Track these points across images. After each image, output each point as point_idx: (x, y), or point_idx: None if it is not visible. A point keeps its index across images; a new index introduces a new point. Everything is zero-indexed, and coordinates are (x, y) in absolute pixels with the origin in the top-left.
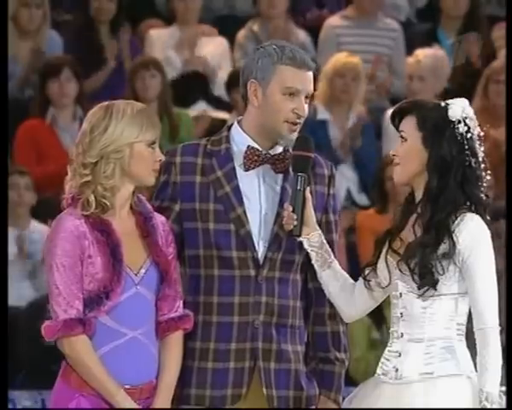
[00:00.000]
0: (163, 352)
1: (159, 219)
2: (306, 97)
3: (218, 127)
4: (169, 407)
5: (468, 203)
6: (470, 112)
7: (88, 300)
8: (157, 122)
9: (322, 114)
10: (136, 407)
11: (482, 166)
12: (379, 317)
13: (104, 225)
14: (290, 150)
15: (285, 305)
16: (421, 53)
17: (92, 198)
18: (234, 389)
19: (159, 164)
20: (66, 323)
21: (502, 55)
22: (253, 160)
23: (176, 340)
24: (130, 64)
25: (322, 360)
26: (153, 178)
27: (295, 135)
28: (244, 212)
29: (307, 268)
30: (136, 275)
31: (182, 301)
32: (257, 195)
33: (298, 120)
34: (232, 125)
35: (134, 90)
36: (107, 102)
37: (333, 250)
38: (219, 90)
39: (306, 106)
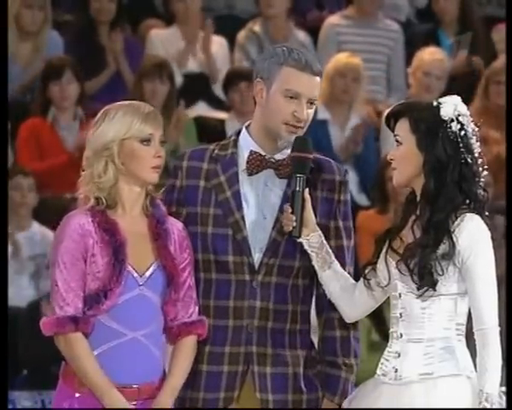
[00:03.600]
0: (172, 355)
1: (175, 224)
2: (310, 102)
3: (217, 128)
4: (170, 407)
5: (467, 201)
6: (463, 109)
7: (88, 298)
8: (155, 119)
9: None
10: (129, 406)
11: (479, 161)
12: (379, 318)
13: (110, 224)
14: None
15: (282, 310)
16: (436, 51)
17: (91, 195)
18: (226, 392)
19: (159, 160)
20: (59, 320)
21: (502, 56)
22: (255, 164)
23: (186, 344)
24: (141, 64)
25: (329, 363)
26: (153, 175)
27: (294, 137)
28: (242, 217)
29: (314, 273)
30: (140, 276)
31: (197, 307)
32: (257, 200)
33: (298, 124)
34: (241, 129)
35: (141, 91)
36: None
37: (343, 256)
38: (219, 90)
39: (311, 111)
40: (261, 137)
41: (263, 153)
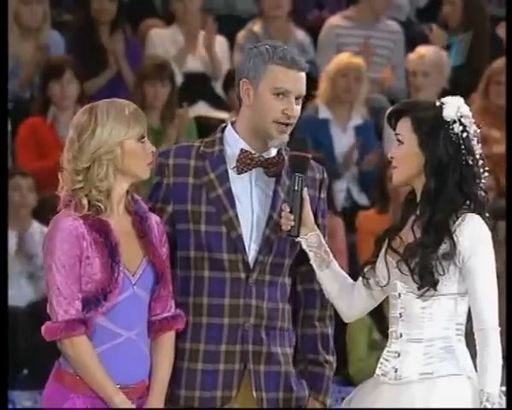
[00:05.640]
0: (155, 351)
1: (154, 219)
2: (298, 98)
3: (217, 128)
4: (162, 405)
5: (468, 202)
6: (465, 110)
7: (85, 301)
8: (142, 116)
9: (324, 114)
10: (133, 407)
11: (480, 162)
12: (379, 317)
13: (103, 225)
14: (283, 154)
15: (274, 308)
16: (424, 49)
17: (85, 201)
18: (223, 390)
19: (152, 156)
20: (68, 323)
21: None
22: (246, 163)
23: (168, 339)
24: (142, 66)
25: (312, 362)
26: (148, 171)
27: (286, 136)
28: (236, 215)
29: (296, 271)
30: (133, 276)
31: (173, 301)
32: (249, 198)
33: (287, 121)
34: (226, 126)
35: (143, 93)
36: (88, 105)
37: None
38: (219, 89)
39: (298, 107)
40: (250, 137)
41: (253, 151)
